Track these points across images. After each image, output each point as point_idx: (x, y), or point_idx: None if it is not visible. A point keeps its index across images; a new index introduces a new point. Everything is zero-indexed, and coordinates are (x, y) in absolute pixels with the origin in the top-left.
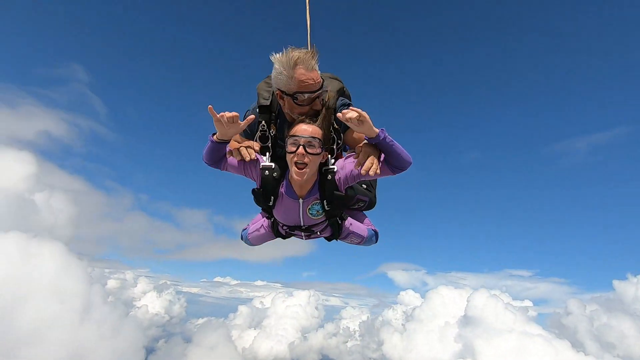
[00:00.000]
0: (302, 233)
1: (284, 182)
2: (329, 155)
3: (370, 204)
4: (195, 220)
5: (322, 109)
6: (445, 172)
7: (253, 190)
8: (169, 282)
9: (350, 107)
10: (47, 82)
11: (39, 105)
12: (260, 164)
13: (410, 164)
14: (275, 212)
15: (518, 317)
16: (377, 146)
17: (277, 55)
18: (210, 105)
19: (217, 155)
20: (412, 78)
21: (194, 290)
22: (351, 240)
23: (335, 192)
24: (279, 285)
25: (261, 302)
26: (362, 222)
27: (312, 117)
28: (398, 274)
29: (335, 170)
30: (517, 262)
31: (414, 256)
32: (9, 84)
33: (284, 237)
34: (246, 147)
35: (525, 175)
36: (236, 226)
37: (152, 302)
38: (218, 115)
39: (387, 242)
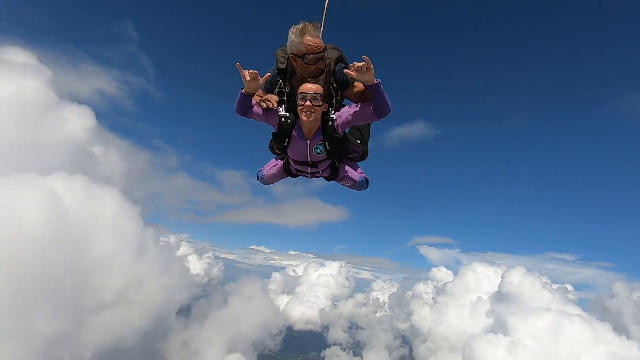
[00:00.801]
0: (309, 169)
1: (296, 127)
2: (329, 107)
3: (363, 155)
4: (234, 181)
5: (325, 69)
6: (488, 140)
7: (273, 133)
8: (208, 247)
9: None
10: (102, 40)
11: (93, 63)
12: (278, 113)
13: (390, 111)
14: (288, 151)
15: (556, 296)
16: (371, 91)
17: (291, 28)
18: (238, 63)
19: (245, 106)
20: (454, 35)
21: (231, 257)
22: (345, 183)
23: (334, 134)
24: (311, 255)
25: (294, 270)
26: (355, 170)
27: (316, 77)
28: (431, 251)
29: (334, 117)
30: (561, 244)
31: (448, 231)
32: (69, 44)
33: (293, 176)
34: (266, 99)
35: (577, 140)
36: (273, 187)
37: (193, 264)
38: (243, 72)
39: (420, 215)
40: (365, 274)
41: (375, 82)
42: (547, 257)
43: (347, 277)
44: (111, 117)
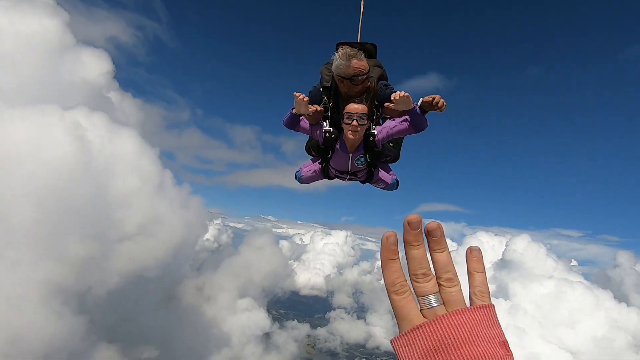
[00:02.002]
0: (347, 177)
1: (339, 141)
2: (370, 123)
3: (395, 158)
4: (246, 137)
5: (368, 89)
6: (503, 95)
7: (317, 147)
8: (217, 213)
9: (397, 92)
10: None
11: (107, 7)
12: (323, 128)
13: (427, 127)
14: (331, 161)
15: (559, 265)
16: (409, 115)
17: (337, 52)
18: (295, 92)
19: (293, 122)
20: None
21: (239, 225)
22: (378, 185)
23: (374, 148)
24: (317, 225)
25: (301, 239)
26: (387, 172)
27: (361, 95)
28: None
29: (375, 133)
30: (567, 221)
31: (456, 199)
32: None
33: (330, 179)
34: (316, 110)
35: (588, 103)
36: (283, 144)
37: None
38: (299, 98)
39: (429, 181)
40: (370, 245)
41: (413, 107)
42: (553, 233)
43: (352, 246)
44: (125, 69)
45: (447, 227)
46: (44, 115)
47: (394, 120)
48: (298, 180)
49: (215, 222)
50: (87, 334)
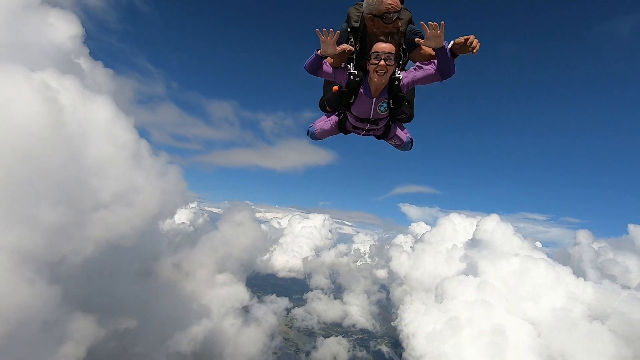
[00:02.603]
0: (367, 126)
1: (363, 85)
2: (396, 67)
3: (409, 117)
4: (223, 113)
5: (398, 30)
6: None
7: (334, 101)
8: (193, 197)
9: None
10: None
11: None
12: (348, 70)
13: (455, 73)
14: (353, 108)
15: (525, 243)
16: (438, 54)
17: None
18: (317, 29)
19: (316, 66)
20: None
21: (216, 210)
22: (394, 142)
23: (399, 93)
24: (295, 209)
25: (278, 222)
26: (402, 130)
27: (390, 35)
28: (412, 209)
29: (400, 77)
30: (534, 205)
31: (430, 181)
32: None
33: (345, 133)
34: (343, 47)
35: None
36: (262, 121)
37: (178, 214)
38: (323, 37)
39: (405, 163)
40: (347, 229)
41: (443, 45)
42: (521, 217)
43: (330, 229)
44: (95, 37)
45: (422, 212)
46: (8, 75)
47: (418, 66)
48: (310, 137)
49: (191, 205)
50: (61, 303)
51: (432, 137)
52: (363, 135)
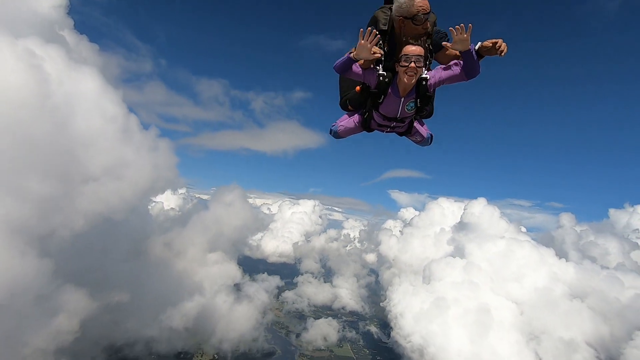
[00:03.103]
0: (392, 124)
1: (392, 85)
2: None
3: (429, 113)
4: (213, 92)
5: (426, 32)
6: None
7: (357, 100)
8: (182, 183)
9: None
10: None
11: None
12: (378, 72)
13: (479, 74)
14: (381, 107)
15: (510, 226)
16: (464, 56)
17: None
18: (361, 29)
19: (347, 67)
20: None
21: (205, 197)
22: (415, 138)
23: (426, 93)
24: (285, 195)
25: (268, 208)
26: (422, 126)
27: (419, 37)
28: (401, 196)
29: (427, 77)
30: (520, 191)
31: (418, 165)
32: None
33: (369, 131)
34: (374, 51)
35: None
36: (252, 101)
37: (167, 200)
38: (363, 41)
39: (392, 150)
40: (337, 216)
41: (469, 47)
42: (507, 203)
43: (320, 215)
44: (78, 10)
45: (411, 198)
46: None
47: (445, 66)
48: (333, 135)
49: (180, 191)
50: (53, 277)
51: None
52: (387, 132)
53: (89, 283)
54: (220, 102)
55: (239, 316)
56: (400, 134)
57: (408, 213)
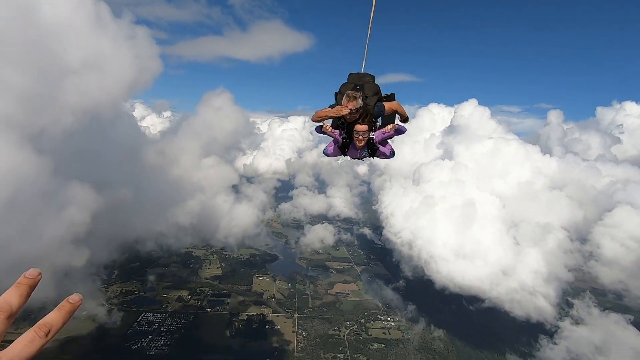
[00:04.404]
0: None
1: (352, 142)
2: (371, 132)
3: (392, 154)
4: None
5: (367, 113)
6: None
7: (341, 143)
8: (166, 105)
9: (388, 126)
10: None
11: None
12: (341, 136)
13: (404, 133)
14: (347, 152)
15: (499, 127)
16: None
17: (343, 89)
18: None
19: (321, 131)
20: None
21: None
22: (380, 157)
23: (374, 146)
24: (273, 113)
25: (258, 127)
26: (385, 145)
27: (360, 117)
28: None
29: (373, 137)
30: (509, 97)
31: (409, 68)
32: None
33: (345, 155)
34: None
35: None
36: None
37: (153, 124)
38: (328, 131)
39: (382, 53)
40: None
41: (396, 127)
42: (497, 110)
43: (311, 131)
44: None
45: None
46: None
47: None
48: (325, 155)
49: (165, 114)
50: (55, 174)
51: (414, 24)
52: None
53: (91, 180)
54: None
55: (241, 213)
56: (369, 156)
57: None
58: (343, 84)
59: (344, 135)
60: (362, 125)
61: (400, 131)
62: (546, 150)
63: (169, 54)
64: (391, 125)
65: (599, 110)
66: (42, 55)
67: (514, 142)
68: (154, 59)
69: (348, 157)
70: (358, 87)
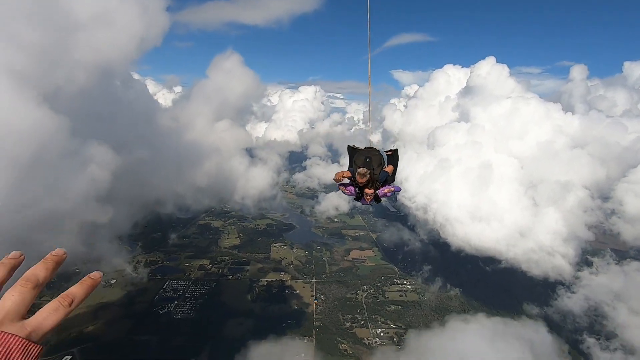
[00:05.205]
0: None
1: (362, 197)
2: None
3: (393, 179)
4: None
5: (373, 180)
6: None
7: (355, 196)
8: (176, 80)
9: (387, 188)
10: None
11: None
12: (355, 191)
13: (400, 191)
14: (360, 200)
15: (519, 86)
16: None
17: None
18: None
19: (339, 188)
20: None
21: None
22: (386, 199)
23: (379, 199)
24: (283, 84)
25: (269, 100)
26: (391, 186)
27: (371, 183)
28: (404, 75)
29: (379, 194)
30: (528, 58)
31: (423, 28)
32: None
33: (357, 200)
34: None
35: None
36: None
37: (165, 100)
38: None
39: (394, 11)
40: (339, 103)
41: (394, 189)
42: (516, 72)
43: (322, 101)
44: None
45: (414, 76)
46: None
47: (386, 185)
48: (342, 192)
49: (175, 89)
50: (73, 134)
51: None
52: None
53: (108, 141)
54: None
55: (256, 175)
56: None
57: (412, 90)
58: (357, 153)
59: (357, 192)
60: (370, 190)
61: (396, 191)
62: (568, 109)
63: (176, 21)
64: (389, 187)
65: (627, 65)
66: (51, 10)
67: (534, 101)
68: (161, 13)
69: (360, 203)
70: (367, 160)
